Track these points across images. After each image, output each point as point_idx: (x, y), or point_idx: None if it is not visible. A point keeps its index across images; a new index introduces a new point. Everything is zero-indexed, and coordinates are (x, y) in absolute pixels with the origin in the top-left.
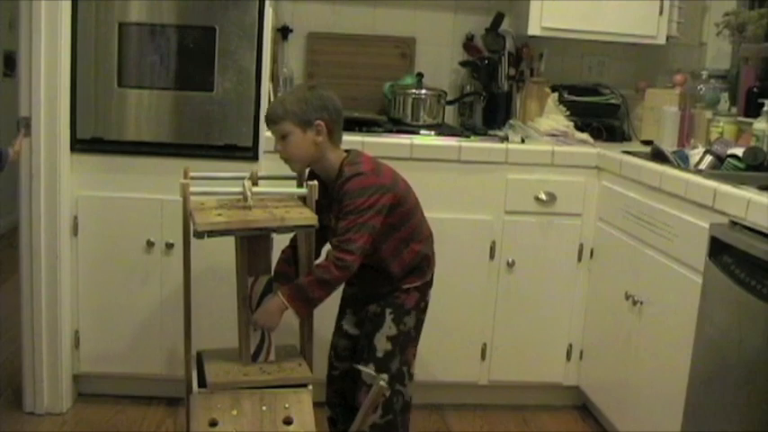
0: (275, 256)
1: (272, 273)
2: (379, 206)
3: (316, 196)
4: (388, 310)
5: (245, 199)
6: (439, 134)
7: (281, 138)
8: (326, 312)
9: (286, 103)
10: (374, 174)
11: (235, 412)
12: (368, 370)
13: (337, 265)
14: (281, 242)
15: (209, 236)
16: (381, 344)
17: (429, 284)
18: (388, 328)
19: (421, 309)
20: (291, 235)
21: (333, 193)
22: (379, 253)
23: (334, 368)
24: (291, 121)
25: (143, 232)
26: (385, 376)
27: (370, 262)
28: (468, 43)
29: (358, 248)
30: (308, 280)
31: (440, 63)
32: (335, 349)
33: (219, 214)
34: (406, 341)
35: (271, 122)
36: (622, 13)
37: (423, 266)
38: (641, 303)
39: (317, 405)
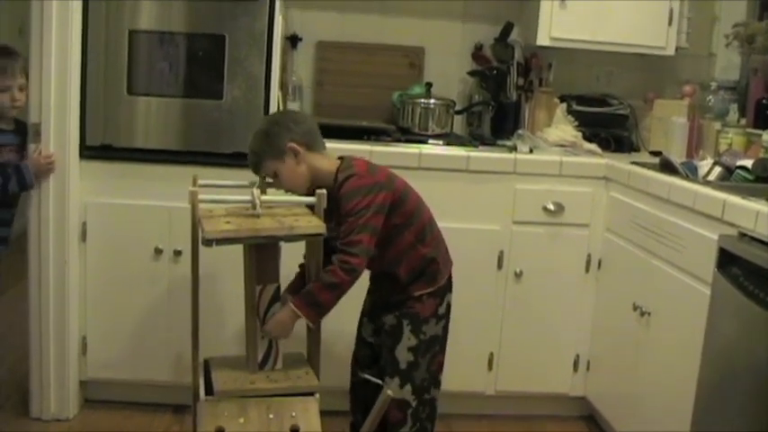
0: (284, 264)
1: (288, 287)
2: (376, 205)
3: (324, 204)
4: (405, 322)
5: (254, 207)
6: (447, 144)
7: (274, 177)
8: (335, 320)
9: (254, 147)
10: (368, 173)
11: (242, 420)
12: (375, 379)
13: (343, 268)
14: (289, 251)
15: (217, 243)
16: (403, 356)
17: (446, 288)
18: (408, 339)
19: (441, 314)
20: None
21: (332, 201)
22: (386, 256)
23: (356, 376)
24: (267, 161)
25: (151, 239)
26: (394, 384)
27: (379, 267)
28: (477, 53)
29: (361, 250)
30: (316, 285)
31: (448, 72)
32: (357, 357)
33: (228, 222)
34: (429, 348)
35: (255, 170)
36: (631, 24)
37: (432, 271)
38: (649, 314)
39: (324, 413)
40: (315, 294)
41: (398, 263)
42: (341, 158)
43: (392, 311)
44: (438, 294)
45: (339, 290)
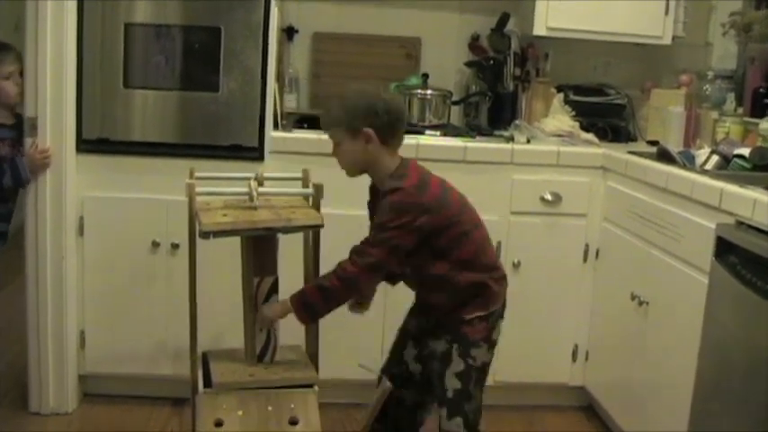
0: (282, 256)
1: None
2: (411, 226)
3: (321, 196)
4: (454, 346)
5: (251, 199)
6: (444, 134)
7: (335, 144)
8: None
9: (332, 109)
10: (416, 190)
11: (240, 412)
12: (370, 369)
13: (337, 273)
14: (287, 243)
15: (214, 236)
16: (451, 382)
17: (498, 314)
18: (456, 364)
19: (493, 340)
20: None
21: (378, 201)
22: (425, 277)
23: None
24: (338, 129)
25: (148, 232)
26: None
27: (421, 289)
28: (474, 43)
29: (368, 264)
30: (310, 285)
31: (445, 63)
32: (389, 371)
33: (225, 214)
34: (481, 377)
35: (324, 129)
36: (628, 14)
37: (485, 295)
38: (647, 304)
39: (323, 405)
40: (307, 294)
41: (441, 287)
42: (402, 159)
43: (442, 337)
44: (489, 319)
45: (329, 295)
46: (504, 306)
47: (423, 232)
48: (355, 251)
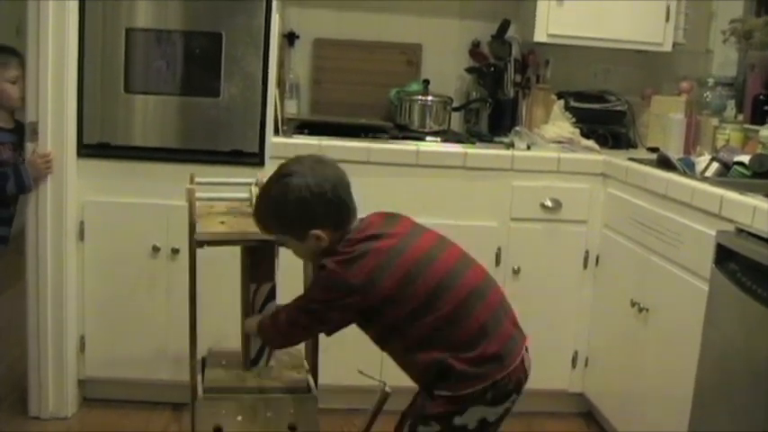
0: (282, 264)
1: None
2: (340, 303)
3: None
4: (408, 417)
5: (252, 205)
6: (445, 141)
7: (279, 243)
8: None
9: (263, 218)
10: (341, 267)
11: (240, 418)
12: (372, 377)
13: (274, 316)
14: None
15: (208, 245)
16: None
17: (475, 400)
18: None
19: (454, 426)
20: None
21: None
22: (385, 350)
23: None
24: (279, 234)
25: (149, 237)
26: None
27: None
28: (475, 50)
29: (299, 326)
30: (273, 314)
31: (446, 70)
32: None
33: (222, 222)
34: None
35: (261, 230)
36: (629, 20)
37: (447, 378)
38: (647, 310)
39: (322, 411)
40: (266, 318)
41: (401, 363)
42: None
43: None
44: (456, 402)
45: (264, 333)
46: (490, 391)
47: (356, 310)
48: (288, 310)
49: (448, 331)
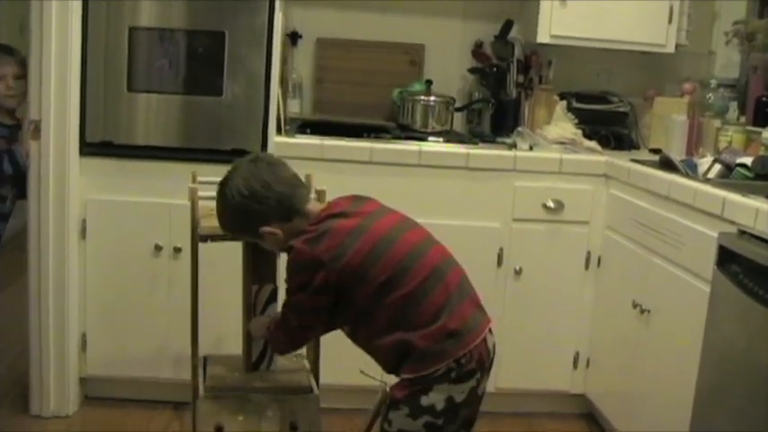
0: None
1: None
2: (312, 285)
3: (324, 202)
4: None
5: None
6: (447, 141)
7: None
8: None
9: (228, 225)
10: (307, 245)
11: (241, 417)
12: (373, 377)
13: (276, 322)
14: None
15: (212, 240)
16: None
17: (437, 379)
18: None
19: (421, 406)
20: None
21: None
22: (356, 342)
23: None
24: (245, 237)
25: (151, 236)
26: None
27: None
28: (477, 50)
29: (292, 328)
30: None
31: (449, 70)
32: None
33: None
34: None
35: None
36: (631, 21)
37: (410, 357)
38: (649, 312)
39: (323, 411)
40: (273, 322)
41: (371, 351)
42: (321, 207)
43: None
44: (420, 383)
45: (271, 338)
46: (453, 369)
47: (329, 288)
48: (278, 321)
49: (411, 311)
